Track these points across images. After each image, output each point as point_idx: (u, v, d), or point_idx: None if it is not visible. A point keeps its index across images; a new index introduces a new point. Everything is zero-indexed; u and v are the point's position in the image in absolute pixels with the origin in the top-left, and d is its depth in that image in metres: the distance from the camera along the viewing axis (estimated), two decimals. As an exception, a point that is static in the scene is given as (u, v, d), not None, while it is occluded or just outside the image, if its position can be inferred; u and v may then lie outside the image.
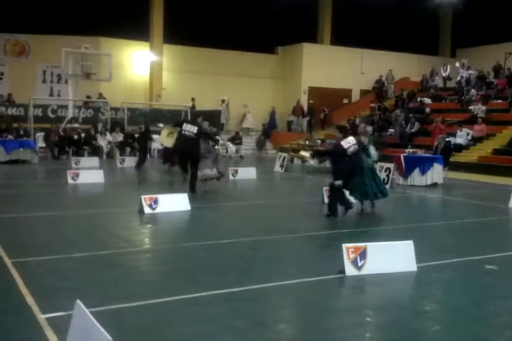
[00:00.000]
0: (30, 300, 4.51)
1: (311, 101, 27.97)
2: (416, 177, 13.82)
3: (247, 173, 14.49)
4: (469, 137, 19.84)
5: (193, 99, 25.29)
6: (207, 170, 11.40)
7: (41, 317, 4.13)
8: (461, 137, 19.79)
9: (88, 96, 23.67)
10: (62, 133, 20.30)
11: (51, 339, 3.75)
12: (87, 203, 10.12)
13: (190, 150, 11.17)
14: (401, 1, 27.08)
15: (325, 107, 27.83)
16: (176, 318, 4.28)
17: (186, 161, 11.48)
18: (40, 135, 19.98)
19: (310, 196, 11.57)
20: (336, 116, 27.81)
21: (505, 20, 27.03)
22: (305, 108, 28.11)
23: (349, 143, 8.80)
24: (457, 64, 25.70)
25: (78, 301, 3.27)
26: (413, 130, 21.91)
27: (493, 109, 21.97)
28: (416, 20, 29.16)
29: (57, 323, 3.94)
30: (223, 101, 26.74)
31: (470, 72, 25.02)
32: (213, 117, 25.25)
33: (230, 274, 5.50)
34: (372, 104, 26.11)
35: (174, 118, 23.54)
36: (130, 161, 17.65)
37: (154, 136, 17.71)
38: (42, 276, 5.25)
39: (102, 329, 2.78)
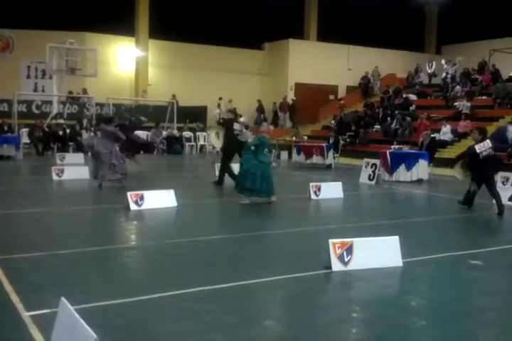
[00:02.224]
0: (14, 297, 4.46)
1: (293, 98, 27.92)
2: (401, 173, 13.91)
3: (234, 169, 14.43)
4: (450, 134, 19.92)
5: (174, 96, 25.09)
6: (109, 174, 11.12)
7: (26, 314, 4.09)
8: (446, 133, 19.91)
9: (70, 92, 23.42)
10: (46, 129, 20.12)
11: (36, 337, 3.71)
12: (73, 199, 10.05)
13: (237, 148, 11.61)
14: (387, -3, 27.18)
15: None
16: (163, 315, 4.26)
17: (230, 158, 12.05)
18: (24, 131, 19.81)
19: (297, 192, 11.59)
20: (323, 113, 27.86)
21: (491, 17, 27.24)
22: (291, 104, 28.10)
23: (484, 147, 8.95)
24: (443, 61, 25.88)
25: (63, 298, 3.24)
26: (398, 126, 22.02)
27: (478, 106, 22.13)
28: (402, 16, 29.25)
29: (42, 321, 3.90)
30: (220, 99, 26.53)
31: (455, 67, 25.18)
32: (199, 113, 25.30)
33: (218, 270, 5.49)
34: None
35: (160, 113, 23.55)
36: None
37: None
38: (27, 273, 5.19)
39: (87, 327, 2.76)
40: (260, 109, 28.01)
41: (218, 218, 8.80)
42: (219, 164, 12.27)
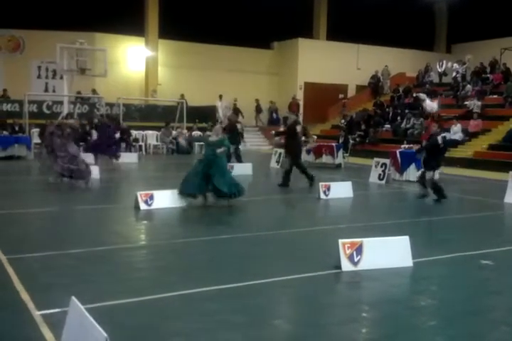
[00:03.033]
0: (25, 296, 4.49)
1: (297, 98, 27.82)
2: (412, 173, 13.81)
3: (243, 169, 14.45)
4: (460, 134, 19.81)
5: (182, 96, 25.13)
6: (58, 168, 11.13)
7: (36, 313, 4.12)
8: (456, 133, 19.81)
9: (79, 92, 23.52)
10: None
11: (47, 336, 3.74)
12: (83, 199, 10.09)
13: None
14: (397, -4, 27.09)
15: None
16: (172, 314, 4.27)
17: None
18: (35, 131, 19.90)
19: (306, 191, 11.57)
20: (332, 112, 27.81)
21: (501, 16, 27.04)
22: (301, 103, 28.09)
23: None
24: (450, 64, 25.87)
25: (73, 298, 3.26)
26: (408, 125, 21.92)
27: (489, 104, 22.00)
28: (412, 15, 29.13)
29: (53, 320, 3.93)
30: (221, 96, 26.56)
31: (465, 66, 25.05)
32: (208, 113, 25.30)
33: (227, 270, 5.49)
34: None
35: (169, 113, 23.60)
36: (126, 157, 17.62)
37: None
38: (37, 273, 5.23)
39: (98, 326, 2.77)
40: (258, 109, 27.90)
41: (227, 217, 8.79)
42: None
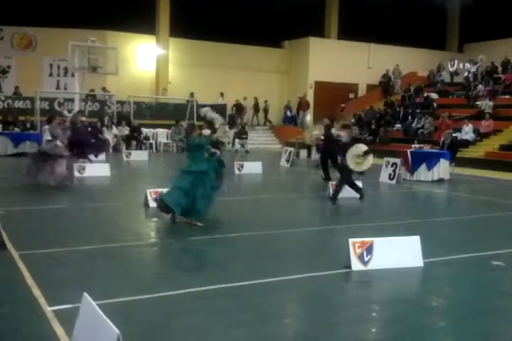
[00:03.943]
0: (37, 292, 4.52)
1: (300, 96, 27.76)
2: (422, 173, 13.76)
3: (253, 168, 14.47)
4: (472, 134, 19.69)
5: (192, 94, 25.15)
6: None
7: (48, 309, 4.14)
8: (467, 133, 19.70)
9: (92, 90, 23.67)
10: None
11: (58, 331, 3.76)
12: (94, 196, 10.14)
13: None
14: (409, -5, 26.96)
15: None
16: (183, 311, 4.28)
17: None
18: (46, 128, 20.00)
19: (315, 190, 11.55)
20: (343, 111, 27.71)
21: (513, 15, 26.84)
22: (311, 102, 28.03)
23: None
24: (461, 65, 25.72)
25: (85, 294, 3.27)
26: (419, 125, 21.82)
27: (501, 105, 21.84)
28: (423, 14, 28.96)
29: (64, 315, 3.95)
30: (222, 94, 26.55)
31: (477, 65, 24.90)
32: (219, 111, 25.30)
33: (237, 268, 5.50)
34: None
35: (180, 111, 23.65)
36: (136, 155, 17.70)
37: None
38: (49, 269, 5.26)
39: (110, 322, 2.79)
40: (256, 107, 27.69)
41: (238, 216, 8.80)
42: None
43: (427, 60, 29.63)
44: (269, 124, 28.40)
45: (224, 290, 4.78)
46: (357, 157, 9.70)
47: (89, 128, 13.07)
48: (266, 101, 27.94)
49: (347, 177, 9.97)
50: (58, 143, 10.74)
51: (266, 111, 28.20)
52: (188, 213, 7.46)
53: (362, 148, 9.86)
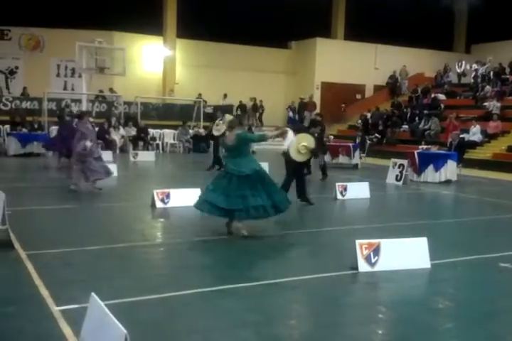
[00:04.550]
0: (44, 292, 4.54)
1: (302, 97, 27.70)
2: (430, 174, 13.72)
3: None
4: (479, 135, 19.60)
5: (200, 95, 25.17)
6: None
7: (55, 309, 4.16)
8: (475, 134, 19.63)
9: (101, 91, 23.78)
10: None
11: (65, 331, 3.77)
12: (100, 197, 10.17)
13: None
14: (416, -5, 26.87)
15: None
16: (189, 312, 4.29)
17: None
18: (53, 129, 20.09)
19: (322, 192, 11.54)
20: (350, 112, 27.67)
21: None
22: (318, 103, 27.98)
23: None
24: (468, 66, 25.64)
25: (93, 294, 3.28)
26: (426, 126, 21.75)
27: (508, 106, 21.74)
28: (430, 15, 28.86)
29: (72, 315, 3.97)
30: (225, 95, 26.52)
31: (485, 66, 24.80)
32: (225, 112, 25.29)
33: (242, 269, 5.50)
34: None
35: (187, 112, 23.70)
36: (143, 155, 17.75)
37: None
38: (56, 269, 5.28)
39: (117, 322, 2.79)
40: (254, 108, 27.19)
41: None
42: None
43: (434, 60, 29.54)
44: (260, 125, 27.86)
45: (230, 290, 4.78)
46: (302, 147, 8.90)
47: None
48: (261, 102, 27.41)
49: (293, 170, 9.20)
50: (88, 142, 10.48)
51: (258, 110, 27.48)
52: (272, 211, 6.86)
53: (307, 141, 8.95)
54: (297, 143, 8.91)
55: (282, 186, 8.75)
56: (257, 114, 27.43)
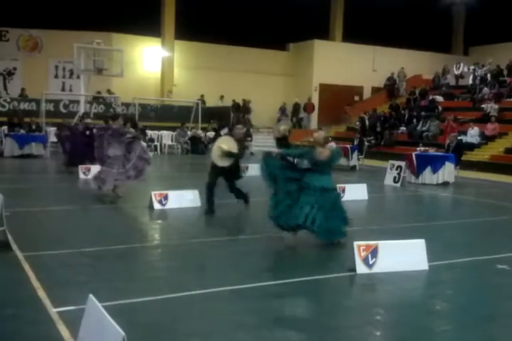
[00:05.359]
0: (42, 293, 4.53)
1: (296, 98, 27.67)
2: (427, 176, 13.73)
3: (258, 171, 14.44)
4: (477, 137, 19.63)
5: (202, 96, 25.22)
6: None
7: (53, 310, 4.15)
8: (473, 136, 19.66)
9: (99, 92, 23.77)
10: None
11: (63, 333, 3.77)
12: (98, 198, 10.14)
13: None
14: (414, -2, 26.96)
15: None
16: (187, 314, 4.29)
17: None
18: (51, 130, 20.07)
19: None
20: (349, 114, 27.69)
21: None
22: (316, 105, 28.02)
23: None
24: (466, 68, 25.72)
25: (91, 295, 3.28)
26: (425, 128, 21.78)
27: (506, 108, 21.78)
28: (428, 17, 28.94)
29: (69, 317, 3.96)
30: (222, 97, 26.50)
31: (484, 69, 24.86)
32: (223, 114, 25.33)
33: (241, 271, 5.50)
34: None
35: (185, 114, 23.69)
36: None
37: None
38: (54, 270, 5.28)
39: (115, 324, 2.79)
40: (246, 109, 27.01)
41: (242, 218, 8.80)
42: None
43: (432, 62, 29.57)
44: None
45: (229, 292, 4.78)
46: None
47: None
48: (249, 102, 26.87)
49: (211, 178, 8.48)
50: (143, 143, 10.17)
51: (245, 111, 26.98)
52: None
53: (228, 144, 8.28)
54: (216, 146, 8.34)
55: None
56: (242, 114, 27.23)
